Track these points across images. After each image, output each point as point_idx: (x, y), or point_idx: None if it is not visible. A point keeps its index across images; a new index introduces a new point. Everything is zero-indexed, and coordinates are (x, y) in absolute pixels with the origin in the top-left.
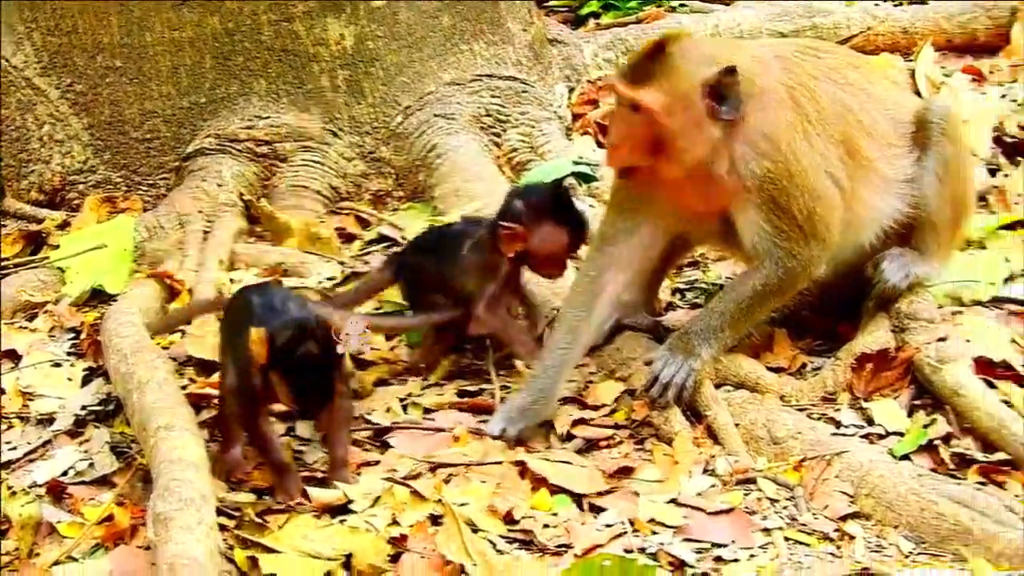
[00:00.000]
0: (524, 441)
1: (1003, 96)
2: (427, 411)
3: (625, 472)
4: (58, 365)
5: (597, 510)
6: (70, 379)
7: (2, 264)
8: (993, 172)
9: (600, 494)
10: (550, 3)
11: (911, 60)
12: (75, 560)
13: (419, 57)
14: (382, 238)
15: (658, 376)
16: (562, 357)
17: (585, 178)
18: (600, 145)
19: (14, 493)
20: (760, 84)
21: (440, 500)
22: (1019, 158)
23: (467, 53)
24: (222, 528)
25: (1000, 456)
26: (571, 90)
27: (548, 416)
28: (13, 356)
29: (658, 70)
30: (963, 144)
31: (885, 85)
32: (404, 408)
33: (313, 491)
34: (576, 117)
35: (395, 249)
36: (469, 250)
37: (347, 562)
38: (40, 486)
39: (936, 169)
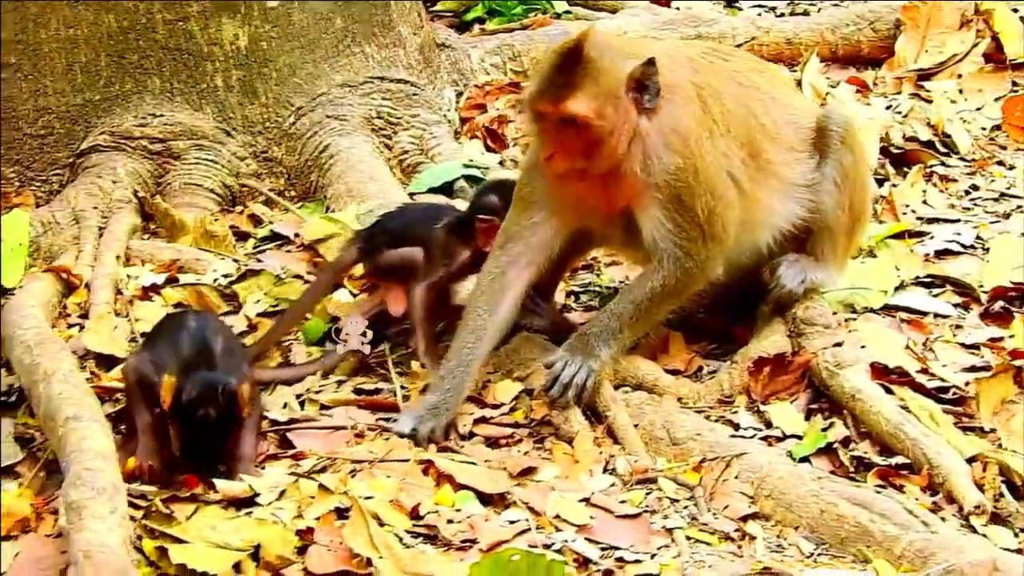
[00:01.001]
0: (432, 440)
1: (888, 107)
2: (324, 407)
3: (529, 471)
4: None
5: (501, 507)
6: None
7: None
8: (881, 182)
9: (504, 494)
10: (436, 8)
11: (796, 71)
12: None
13: (312, 58)
14: (275, 236)
15: (558, 377)
16: (469, 357)
17: (475, 181)
18: (489, 149)
19: None
20: (671, 80)
21: (346, 493)
22: (905, 168)
23: (359, 55)
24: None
25: (898, 460)
26: (459, 94)
27: (455, 415)
28: None
29: (581, 74)
30: (861, 153)
31: (788, 91)
32: (301, 404)
33: (220, 483)
34: (464, 121)
35: (358, 229)
36: (442, 228)
37: (255, 553)
38: None
39: (834, 176)
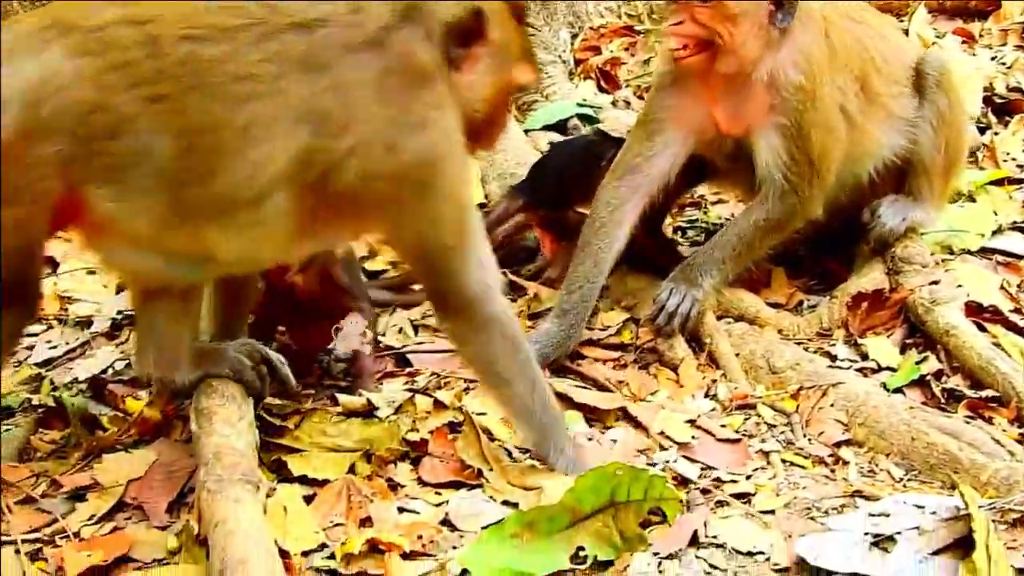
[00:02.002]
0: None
1: (992, 58)
2: (436, 331)
3: (637, 392)
4: (93, 272)
5: (607, 426)
6: (105, 286)
7: None
8: (983, 131)
9: (610, 413)
10: None
11: (904, 21)
12: (122, 449)
13: None
14: None
15: (663, 306)
16: (590, 291)
17: (588, 120)
18: (601, 89)
19: (55, 388)
20: (806, 9)
21: (460, 408)
22: (1007, 117)
23: None
24: None
25: (988, 393)
26: (574, 36)
27: (575, 346)
28: (51, 263)
29: None
30: (957, 97)
31: (893, 29)
32: (416, 330)
33: (341, 397)
34: (578, 62)
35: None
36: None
37: (367, 454)
38: (81, 382)
39: (931, 118)
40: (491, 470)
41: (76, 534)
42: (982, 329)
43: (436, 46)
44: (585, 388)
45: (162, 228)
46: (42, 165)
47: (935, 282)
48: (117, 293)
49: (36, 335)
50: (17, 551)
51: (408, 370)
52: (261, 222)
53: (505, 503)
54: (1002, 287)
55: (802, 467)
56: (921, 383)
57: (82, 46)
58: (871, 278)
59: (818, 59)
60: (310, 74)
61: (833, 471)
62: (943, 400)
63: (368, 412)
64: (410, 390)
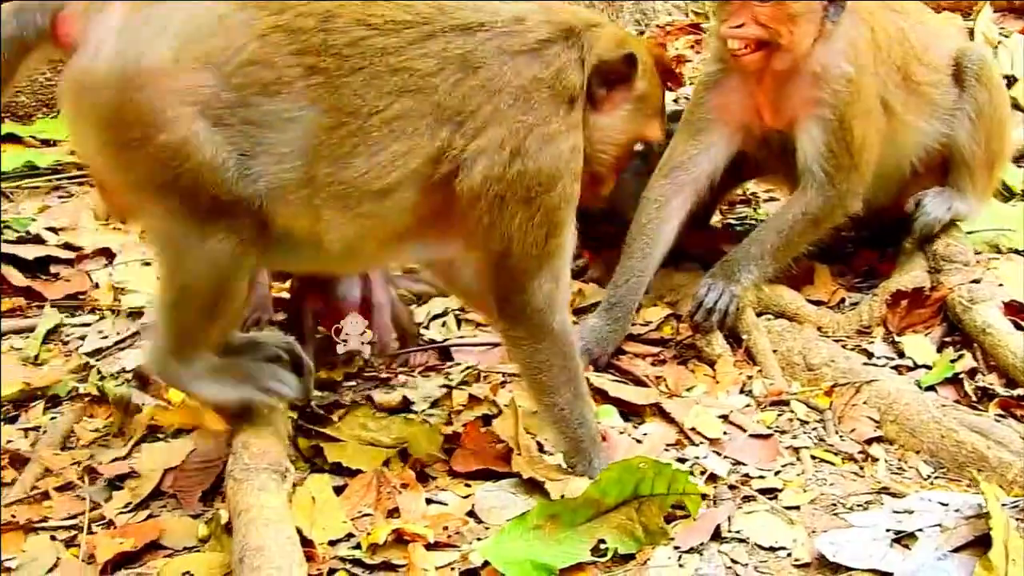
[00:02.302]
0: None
1: None
2: (479, 325)
3: (672, 388)
4: (148, 264)
5: (641, 419)
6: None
7: None
8: None
9: (646, 407)
10: None
11: (971, 19)
12: (161, 439)
13: None
14: None
15: (702, 302)
16: (636, 285)
17: None
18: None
19: (103, 378)
20: (851, 3)
21: (494, 402)
22: None
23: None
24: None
25: (1021, 392)
26: (641, 33)
27: (620, 342)
28: (108, 254)
29: None
30: (998, 90)
31: (931, 16)
32: (459, 324)
33: (375, 395)
34: None
35: None
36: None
37: (403, 451)
38: (127, 372)
39: (969, 111)
40: (519, 455)
41: (111, 522)
42: (1020, 328)
43: (584, 75)
44: (622, 383)
45: (279, 196)
46: (187, 95)
47: (975, 280)
48: None
49: (88, 325)
50: (53, 537)
51: (449, 364)
52: (380, 215)
53: (530, 495)
54: None
55: (832, 464)
56: (955, 381)
57: (260, 1)
58: (913, 276)
59: (863, 50)
60: (463, 73)
61: (862, 468)
62: (975, 398)
63: (405, 407)
64: (446, 386)
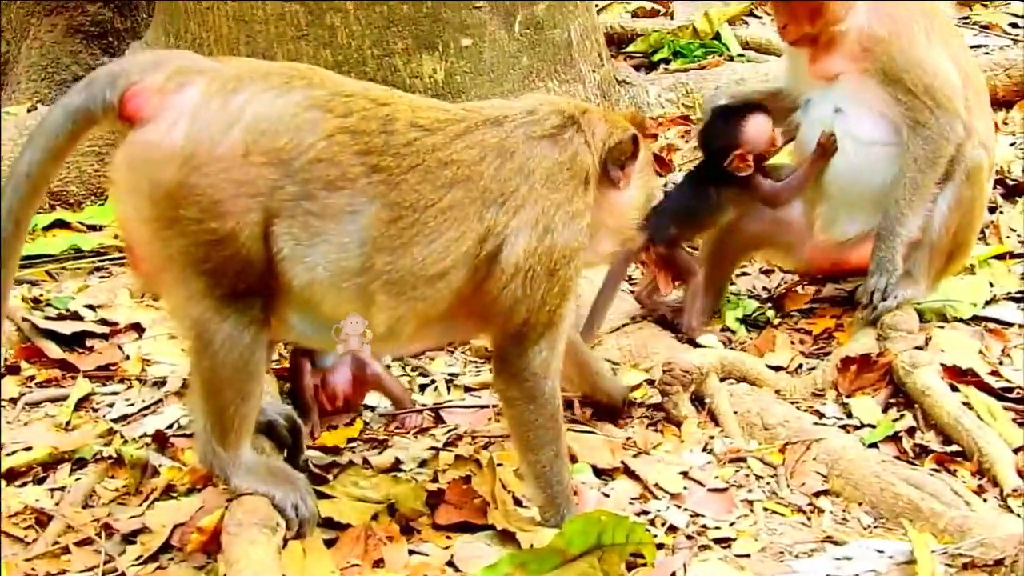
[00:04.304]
0: None
1: (1012, 144)
2: (468, 389)
3: (641, 446)
4: (174, 337)
5: (611, 477)
6: (183, 349)
7: None
8: (992, 210)
9: (615, 469)
10: (628, 49)
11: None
12: (174, 498)
13: (500, 91)
14: None
15: (872, 293)
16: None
17: None
18: (658, 174)
19: (125, 441)
20: None
21: (477, 461)
22: (1017, 198)
23: (542, 89)
24: None
25: (955, 448)
26: None
27: None
28: (138, 328)
29: None
30: (981, 191)
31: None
32: (449, 388)
33: (370, 457)
34: None
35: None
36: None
37: (391, 507)
38: (147, 436)
39: (951, 201)
40: (496, 508)
41: (123, 573)
42: (955, 390)
43: (592, 156)
44: (593, 445)
45: (334, 284)
46: (251, 186)
47: (918, 347)
48: None
49: (117, 393)
50: None
51: (439, 427)
52: (429, 298)
53: (504, 545)
54: (981, 352)
55: (782, 515)
56: (896, 439)
57: (327, 104)
58: (863, 343)
59: (906, 20)
60: (500, 159)
61: (810, 519)
62: (913, 454)
63: (395, 468)
64: (433, 447)
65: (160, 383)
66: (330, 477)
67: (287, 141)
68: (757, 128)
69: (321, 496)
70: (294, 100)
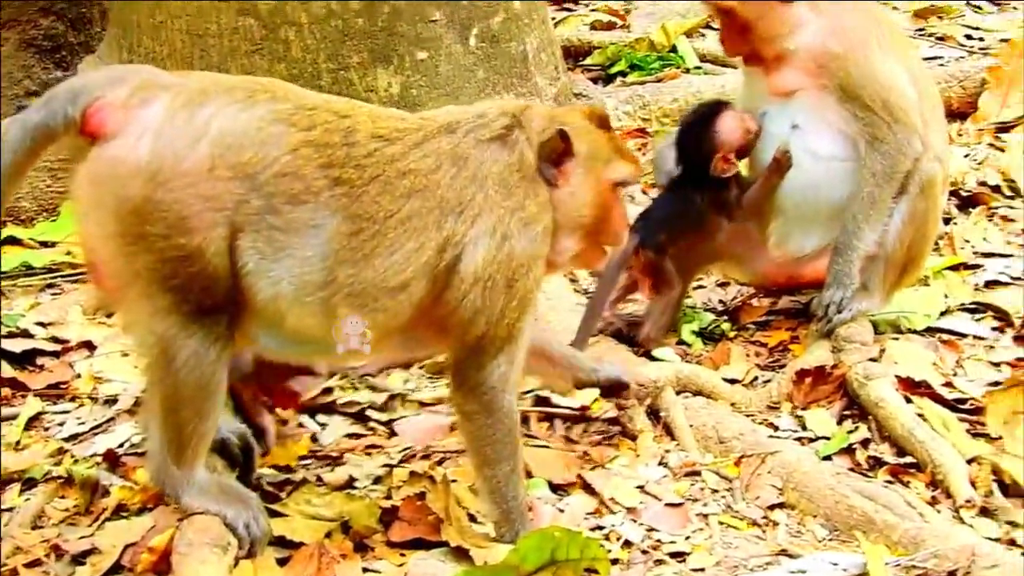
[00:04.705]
0: None
1: (966, 156)
2: (423, 404)
3: (597, 460)
4: (126, 355)
5: (567, 491)
6: (135, 367)
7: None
8: (947, 221)
9: (570, 483)
10: (585, 62)
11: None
12: (125, 517)
13: (456, 105)
14: None
15: (828, 307)
16: None
17: None
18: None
19: (76, 461)
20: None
21: (431, 478)
22: (971, 209)
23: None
24: None
25: (908, 459)
26: None
27: None
28: (90, 346)
29: None
30: (935, 204)
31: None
32: (403, 403)
33: (325, 473)
34: None
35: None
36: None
37: (344, 525)
38: (98, 455)
39: (905, 215)
40: (450, 525)
41: None
42: (909, 402)
43: (535, 154)
44: (548, 460)
45: (297, 297)
46: (217, 201)
47: (872, 359)
48: None
49: (68, 412)
50: None
51: (395, 441)
52: (391, 309)
53: (459, 562)
54: (934, 364)
55: (737, 528)
56: (850, 451)
57: (290, 117)
58: (817, 356)
59: (860, 35)
60: (456, 166)
61: (765, 532)
62: (867, 466)
63: (349, 485)
64: (387, 464)
65: (112, 401)
66: (283, 495)
67: (252, 155)
68: (729, 125)
69: (274, 514)
70: (258, 114)
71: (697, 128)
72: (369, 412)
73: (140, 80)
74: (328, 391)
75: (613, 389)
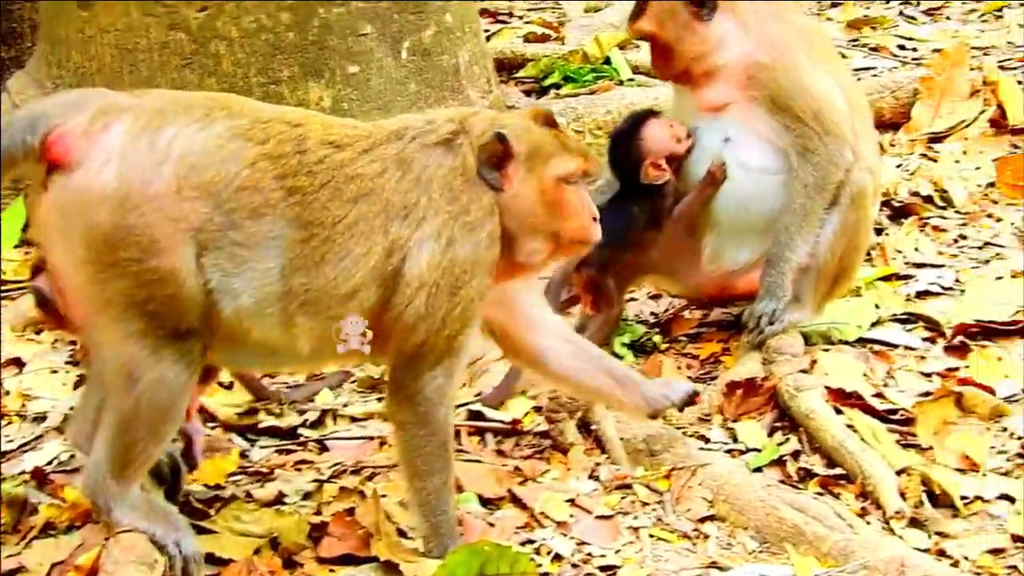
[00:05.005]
0: None
1: (898, 166)
2: (354, 420)
3: (527, 476)
4: (55, 372)
5: (498, 505)
6: (64, 384)
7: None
8: (879, 232)
9: (501, 498)
10: (519, 75)
11: None
12: (53, 535)
13: (388, 118)
14: None
15: (759, 318)
16: None
17: None
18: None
19: (3, 479)
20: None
21: (362, 493)
22: (903, 220)
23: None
24: None
25: (839, 471)
26: None
27: None
28: (19, 363)
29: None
30: (866, 215)
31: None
32: (335, 419)
33: (255, 489)
34: None
35: None
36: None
37: (273, 541)
38: (27, 473)
39: (836, 226)
40: (379, 540)
41: None
42: (839, 413)
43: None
44: (479, 474)
45: (258, 310)
46: (183, 221)
47: (803, 371)
48: (74, 390)
49: None
50: None
51: (324, 456)
52: (343, 316)
53: None
54: (865, 375)
55: (668, 541)
56: (781, 463)
57: (247, 132)
58: (748, 367)
59: (787, 45)
60: (401, 170)
61: (695, 544)
62: (798, 478)
63: (278, 501)
64: (317, 480)
65: (40, 419)
66: (212, 512)
67: (214, 174)
68: (655, 132)
69: (203, 531)
70: (216, 132)
71: (626, 137)
72: (300, 428)
73: (98, 105)
74: (254, 412)
75: (689, 403)
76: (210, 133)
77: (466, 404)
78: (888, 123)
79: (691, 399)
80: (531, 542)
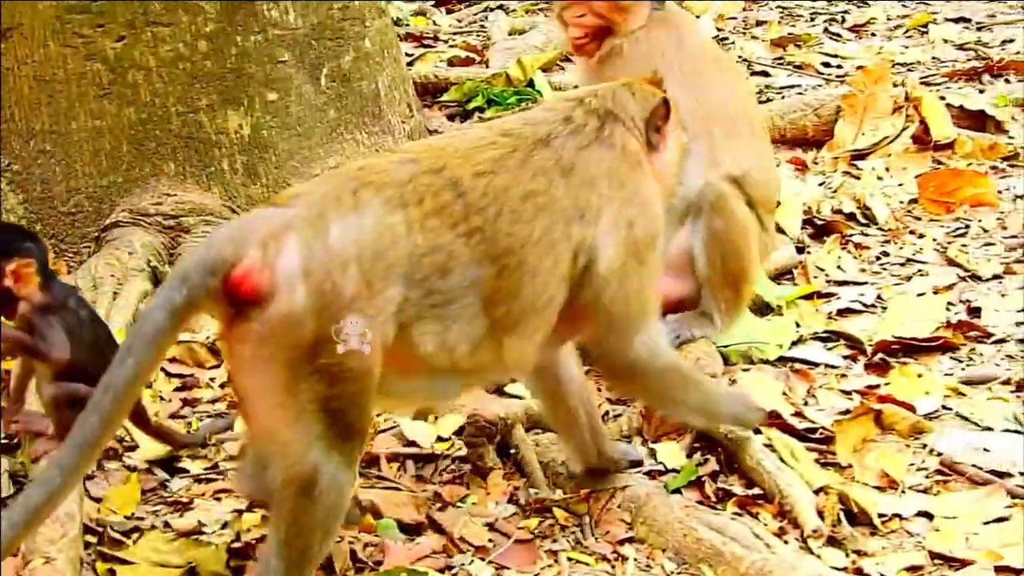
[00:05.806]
0: None
1: (821, 184)
2: None
3: (446, 501)
4: None
5: (417, 532)
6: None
7: None
8: (800, 250)
9: (420, 524)
10: (442, 98)
11: None
12: None
13: (308, 145)
14: None
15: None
16: None
17: None
18: None
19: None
20: None
21: None
22: (825, 238)
23: (350, 141)
24: (87, 544)
25: (757, 491)
26: None
27: None
28: None
29: None
30: (732, 219)
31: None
32: None
33: (173, 519)
34: None
35: None
36: None
37: (191, 571)
38: None
39: (704, 237)
40: None
41: None
42: (758, 432)
43: (636, 136)
44: (399, 501)
45: (474, 349)
46: (382, 313)
47: None
48: None
49: None
50: None
51: None
52: (543, 325)
53: None
54: (784, 394)
55: (587, 564)
56: (699, 483)
57: (400, 199)
58: None
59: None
60: (565, 177)
61: (614, 567)
62: (716, 499)
63: (198, 531)
64: (237, 509)
65: None
66: (129, 542)
67: (394, 255)
68: None
69: (120, 562)
70: (374, 213)
71: None
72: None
73: (261, 234)
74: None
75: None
76: (370, 219)
77: (385, 430)
78: (812, 141)
79: (636, 464)
80: (450, 568)
